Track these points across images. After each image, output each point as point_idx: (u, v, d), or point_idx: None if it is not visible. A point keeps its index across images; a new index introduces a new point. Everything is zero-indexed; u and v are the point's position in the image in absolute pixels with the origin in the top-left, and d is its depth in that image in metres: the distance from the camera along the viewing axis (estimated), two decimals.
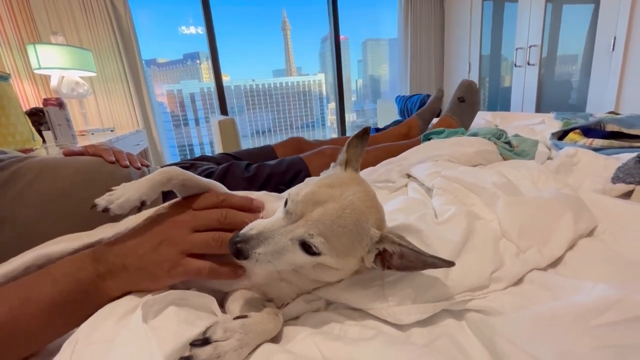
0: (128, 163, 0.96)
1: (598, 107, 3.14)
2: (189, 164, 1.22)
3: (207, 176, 1.06)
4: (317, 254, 0.44)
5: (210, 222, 0.52)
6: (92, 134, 2.83)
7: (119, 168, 0.93)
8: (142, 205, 0.51)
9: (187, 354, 0.38)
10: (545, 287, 0.51)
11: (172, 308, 0.45)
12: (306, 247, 0.44)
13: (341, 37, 4.86)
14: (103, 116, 3.37)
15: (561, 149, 1.20)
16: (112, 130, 3.13)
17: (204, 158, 1.31)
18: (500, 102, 4.57)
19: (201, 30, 4.11)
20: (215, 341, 0.40)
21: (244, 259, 0.44)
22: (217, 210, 0.53)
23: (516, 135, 1.25)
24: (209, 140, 6.00)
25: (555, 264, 0.58)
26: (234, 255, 0.44)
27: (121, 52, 3.31)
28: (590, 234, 0.64)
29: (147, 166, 1.08)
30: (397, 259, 0.47)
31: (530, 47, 3.82)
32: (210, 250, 0.50)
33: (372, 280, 0.55)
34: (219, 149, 2.90)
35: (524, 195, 0.75)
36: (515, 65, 4.01)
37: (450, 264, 0.44)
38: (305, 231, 0.43)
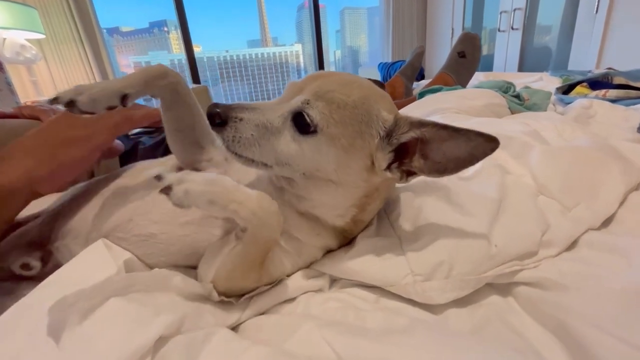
0: None
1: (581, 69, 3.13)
2: (154, 130, 1.06)
3: None
4: (312, 132, 0.35)
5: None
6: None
7: None
8: (123, 102, 0.40)
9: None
10: (611, 250, 0.40)
11: (113, 302, 0.30)
12: (300, 125, 0.35)
13: (319, 4, 4.55)
14: (58, 84, 3.00)
15: (568, 103, 1.10)
16: None
17: None
18: (482, 69, 4.51)
19: None
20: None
21: (220, 123, 0.35)
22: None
23: (526, 88, 1.14)
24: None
25: (606, 222, 0.47)
26: (209, 117, 0.35)
27: (72, 10, 2.92)
28: (637, 187, 0.54)
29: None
30: (419, 158, 0.37)
31: (514, 10, 3.72)
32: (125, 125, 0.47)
33: (389, 247, 0.43)
34: None
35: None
36: (499, 30, 3.93)
37: (495, 141, 0.33)
38: (302, 98, 0.35)
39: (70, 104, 0.37)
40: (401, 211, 0.50)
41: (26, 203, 0.45)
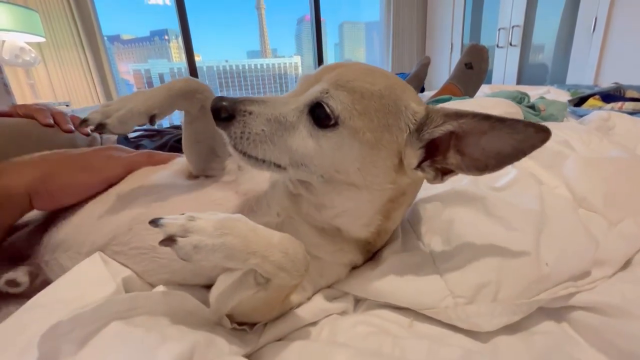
0: (72, 127, 0.73)
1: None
2: (155, 132, 1.02)
3: (178, 142, 0.86)
4: (332, 125, 0.30)
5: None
6: None
7: (60, 133, 0.70)
8: (151, 122, 0.39)
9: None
10: None
11: (115, 327, 0.25)
12: (318, 118, 0.31)
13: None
14: (56, 88, 2.95)
15: (581, 115, 1.08)
16: (67, 105, 2.76)
17: (176, 127, 1.12)
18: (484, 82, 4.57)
19: (169, 1, 3.71)
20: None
21: (227, 118, 0.31)
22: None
23: (542, 98, 1.12)
24: (181, 121, 5.63)
25: None
26: (213, 112, 0.31)
27: (75, 16, 2.90)
28: None
29: (101, 133, 0.86)
30: (455, 154, 0.32)
31: (513, 27, 3.79)
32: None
33: (421, 264, 0.39)
34: None
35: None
36: (498, 46, 3.99)
37: (547, 131, 0.28)
38: (320, 88, 0.31)
39: (100, 127, 0.37)
40: (429, 223, 0.46)
41: (20, 214, 0.41)
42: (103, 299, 0.28)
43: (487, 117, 0.29)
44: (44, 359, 0.20)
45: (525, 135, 0.28)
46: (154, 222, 0.27)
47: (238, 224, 0.29)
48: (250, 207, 0.40)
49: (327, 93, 0.31)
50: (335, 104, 0.30)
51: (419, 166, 0.33)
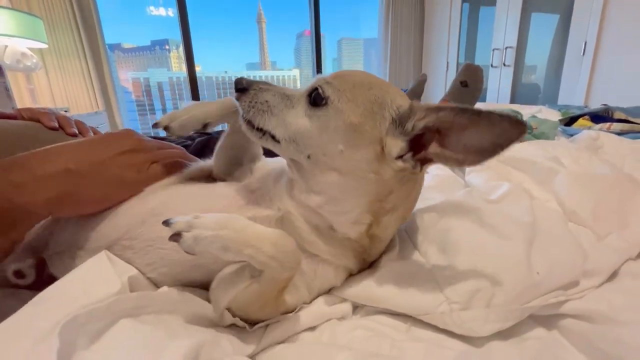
0: (77, 131, 0.74)
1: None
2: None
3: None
4: (323, 105, 0.36)
5: (172, 155, 0.49)
6: None
7: (63, 137, 0.71)
8: (204, 129, 0.46)
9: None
10: None
11: (124, 324, 0.26)
12: (314, 99, 0.36)
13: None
14: (56, 94, 2.96)
15: (571, 135, 1.12)
16: (66, 111, 2.76)
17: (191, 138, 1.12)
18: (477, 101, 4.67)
19: (172, 12, 3.78)
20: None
21: (243, 89, 0.38)
22: (178, 151, 0.50)
23: (534, 117, 1.15)
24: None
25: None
26: (235, 83, 0.39)
27: (78, 24, 2.94)
28: None
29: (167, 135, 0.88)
30: (437, 146, 0.33)
31: (506, 48, 3.91)
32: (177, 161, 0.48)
33: (417, 271, 0.40)
34: None
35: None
36: (492, 66, 4.10)
37: (522, 124, 0.28)
38: (320, 77, 0.37)
39: (167, 129, 0.45)
40: (425, 232, 0.48)
41: (37, 223, 0.41)
42: (112, 296, 0.29)
43: (464, 110, 0.30)
44: (63, 348, 0.21)
45: (501, 129, 0.29)
46: (166, 222, 0.31)
47: (235, 221, 0.33)
48: (256, 201, 0.42)
49: (324, 81, 0.36)
50: (328, 88, 0.36)
51: (402, 158, 0.35)
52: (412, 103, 0.35)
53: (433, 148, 0.34)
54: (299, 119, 0.37)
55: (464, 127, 0.31)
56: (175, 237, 0.30)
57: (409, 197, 0.41)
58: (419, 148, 0.34)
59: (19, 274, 0.41)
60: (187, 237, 0.30)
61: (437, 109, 0.32)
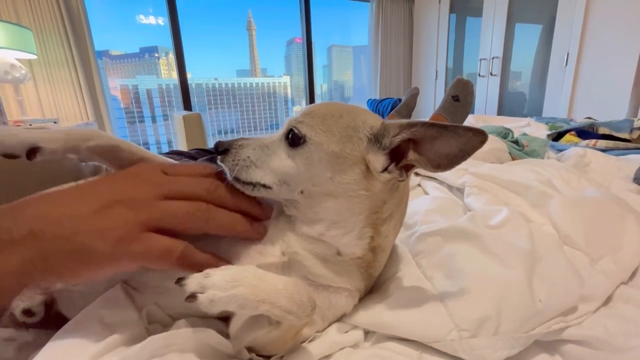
0: None
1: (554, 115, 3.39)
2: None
3: None
4: (302, 143, 0.38)
5: (193, 190, 0.36)
6: (30, 125, 2.43)
7: (64, 161, 0.71)
8: (31, 155, 0.36)
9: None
10: None
11: None
12: (292, 141, 0.39)
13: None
14: (45, 106, 2.92)
15: (560, 150, 1.16)
16: (55, 122, 2.72)
17: (175, 152, 1.11)
18: None
19: (162, 21, 3.78)
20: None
21: (224, 151, 0.40)
22: (206, 178, 0.39)
23: (524, 135, 1.20)
24: (167, 139, 5.53)
25: (631, 276, 0.48)
26: (215, 148, 0.40)
27: (68, 35, 2.91)
28: None
29: None
30: (414, 153, 0.38)
31: (493, 58, 4.01)
32: (190, 224, 0.35)
33: (426, 297, 0.42)
34: (181, 147, 2.63)
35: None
36: (479, 75, 4.19)
37: (483, 134, 0.33)
38: (292, 119, 0.39)
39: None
40: (430, 257, 0.50)
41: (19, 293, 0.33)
42: (145, 342, 0.30)
43: (433, 125, 0.35)
44: None
45: (467, 138, 0.33)
46: (179, 283, 0.31)
47: (247, 275, 0.32)
48: (259, 250, 0.41)
49: (297, 121, 0.39)
50: (302, 127, 0.38)
51: (386, 170, 0.38)
52: (384, 122, 0.39)
53: (411, 155, 0.38)
54: (284, 161, 0.39)
55: (434, 138, 0.35)
56: (191, 298, 0.30)
57: (402, 203, 0.44)
58: (399, 157, 0.38)
59: (28, 312, 0.39)
60: (202, 299, 0.30)
61: (409, 125, 0.36)
